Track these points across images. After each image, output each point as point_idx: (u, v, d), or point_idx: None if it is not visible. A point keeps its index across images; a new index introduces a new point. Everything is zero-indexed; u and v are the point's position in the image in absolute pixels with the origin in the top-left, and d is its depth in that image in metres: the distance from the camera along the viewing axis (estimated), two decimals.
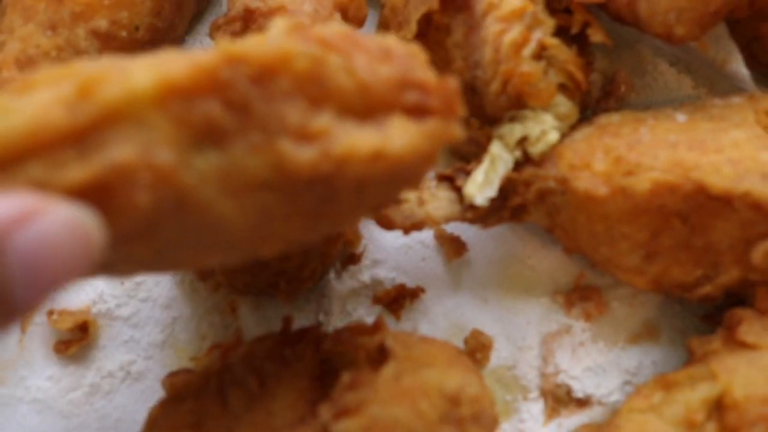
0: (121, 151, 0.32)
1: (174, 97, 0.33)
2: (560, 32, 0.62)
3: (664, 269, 0.59)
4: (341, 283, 0.66)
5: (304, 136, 0.36)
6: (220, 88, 0.34)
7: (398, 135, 0.37)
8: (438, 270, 0.67)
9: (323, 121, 0.36)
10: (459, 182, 0.60)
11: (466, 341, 0.64)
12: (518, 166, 0.60)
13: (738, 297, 0.61)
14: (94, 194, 0.32)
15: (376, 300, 0.65)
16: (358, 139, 0.36)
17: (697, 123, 0.60)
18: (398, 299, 0.66)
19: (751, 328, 0.57)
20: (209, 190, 0.34)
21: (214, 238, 0.38)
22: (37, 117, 0.31)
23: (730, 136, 0.58)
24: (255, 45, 0.35)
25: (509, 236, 0.67)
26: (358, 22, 0.67)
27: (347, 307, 0.66)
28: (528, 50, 0.59)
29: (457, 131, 0.40)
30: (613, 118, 0.62)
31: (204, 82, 0.33)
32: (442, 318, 0.66)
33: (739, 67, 0.68)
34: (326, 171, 0.36)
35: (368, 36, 0.39)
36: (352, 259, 0.67)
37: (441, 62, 0.64)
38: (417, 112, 0.38)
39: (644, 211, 0.57)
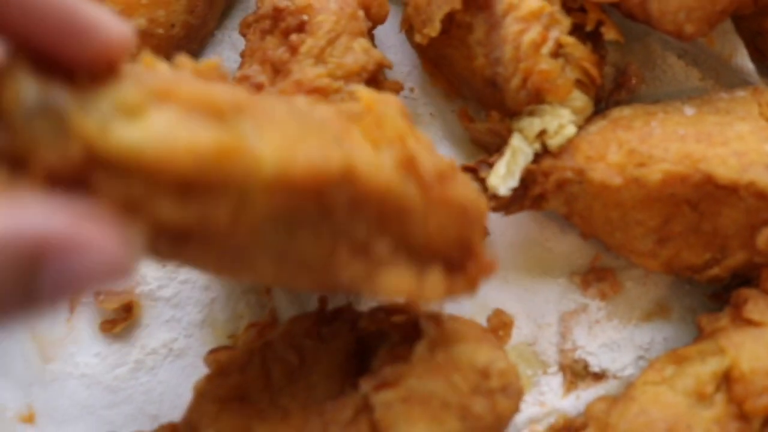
0: (216, 213, 0.35)
1: (283, 189, 0.36)
2: (576, 30, 0.66)
3: (675, 253, 0.64)
4: None
5: (361, 251, 0.40)
6: (323, 196, 0.37)
7: (432, 287, 0.42)
8: None
9: (382, 247, 0.40)
10: (482, 173, 0.65)
11: (488, 319, 0.69)
12: (537, 157, 0.64)
13: (744, 278, 0.65)
14: (175, 236, 0.35)
15: None
16: (400, 279, 0.42)
17: (704, 116, 0.64)
18: None
19: (756, 306, 0.61)
20: (264, 257, 0.39)
21: (252, 276, 0.44)
22: (168, 152, 0.33)
23: (735, 128, 0.62)
24: (371, 169, 0.38)
25: (529, 221, 0.71)
26: (380, 19, 0.70)
27: None
28: (546, 49, 0.63)
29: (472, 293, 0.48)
30: (625, 112, 0.66)
31: (314, 188, 0.36)
32: (466, 299, 0.70)
33: (744, 60, 0.72)
34: (359, 287, 0.42)
35: (465, 181, 0.44)
36: None
37: (463, 59, 0.68)
38: (454, 267, 0.43)
39: (656, 199, 0.61)
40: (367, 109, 0.42)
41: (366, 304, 0.69)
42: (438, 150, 0.73)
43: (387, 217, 0.39)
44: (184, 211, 0.35)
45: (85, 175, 0.33)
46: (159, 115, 0.34)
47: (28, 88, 0.33)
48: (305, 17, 0.63)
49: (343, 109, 0.43)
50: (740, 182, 0.59)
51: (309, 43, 0.61)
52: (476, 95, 0.71)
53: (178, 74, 0.39)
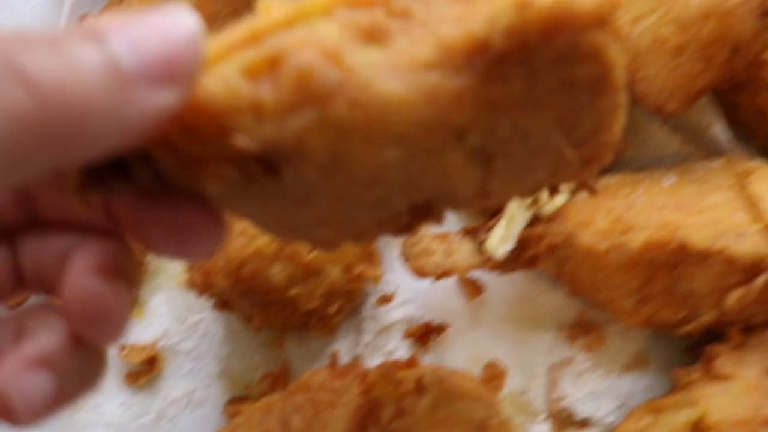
0: (290, 38, 0.31)
1: (341, 6, 0.33)
2: None
3: (654, 311, 0.70)
4: (376, 320, 0.77)
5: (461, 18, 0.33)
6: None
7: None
8: (460, 308, 0.77)
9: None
10: (481, 237, 0.71)
11: (484, 369, 0.75)
12: (532, 223, 0.71)
13: (715, 333, 0.72)
14: (266, 69, 0.31)
15: (407, 335, 0.76)
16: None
17: (683, 186, 0.70)
18: (426, 334, 0.76)
19: (725, 361, 0.67)
20: (374, 71, 0.31)
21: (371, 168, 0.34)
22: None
23: (710, 199, 0.68)
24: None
25: (521, 279, 0.77)
26: None
27: (381, 341, 0.76)
28: None
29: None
30: (612, 180, 0.72)
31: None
32: (463, 350, 0.76)
33: (720, 130, 0.78)
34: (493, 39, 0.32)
35: None
36: (385, 299, 0.77)
37: None
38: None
39: (637, 263, 0.68)
40: None
41: (374, 360, 0.75)
42: None
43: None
44: (263, 50, 0.32)
45: None
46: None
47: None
48: None
49: None
50: (712, 250, 0.66)
51: None
52: None
53: None
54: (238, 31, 0.32)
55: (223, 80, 0.31)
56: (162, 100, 0.29)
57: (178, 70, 0.29)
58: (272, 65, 0.31)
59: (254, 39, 0.32)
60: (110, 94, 0.28)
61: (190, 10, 0.31)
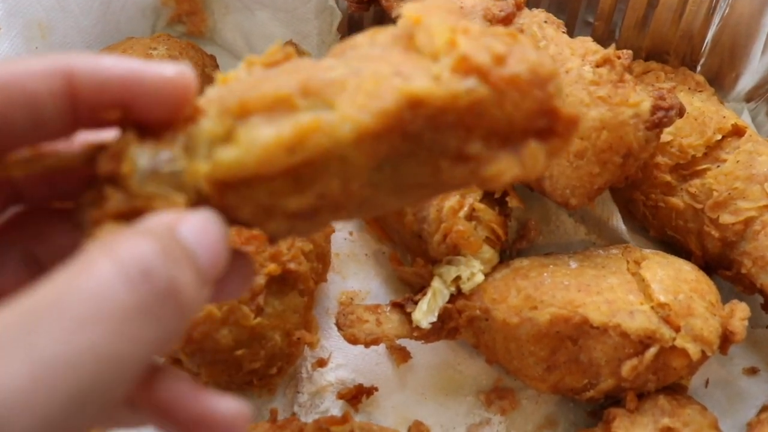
0: (329, 185, 0.40)
1: (368, 140, 0.39)
2: (486, 196, 0.82)
3: (560, 378, 0.79)
4: (312, 382, 0.84)
5: (460, 158, 0.41)
6: (402, 127, 0.39)
7: (533, 161, 0.42)
8: (388, 373, 0.85)
9: (476, 148, 0.41)
10: (408, 309, 0.80)
11: (409, 430, 0.83)
12: (453, 298, 0.80)
13: (615, 398, 0.82)
14: (306, 215, 0.41)
15: (340, 396, 0.83)
16: (503, 166, 0.42)
17: (585, 269, 0.81)
18: (357, 395, 0.84)
19: (621, 423, 0.77)
20: (385, 196, 0.42)
21: (382, 210, 0.48)
22: (264, 155, 0.38)
23: (608, 281, 0.79)
24: (429, 88, 0.39)
25: (444, 347, 0.86)
26: None
27: (316, 401, 0.84)
28: (462, 213, 0.79)
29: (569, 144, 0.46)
30: (524, 263, 0.82)
31: (391, 126, 0.39)
32: (391, 411, 0.84)
33: (618, 222, 0.90)
34: (472, 184, 0.44)
35: (522, 50, 0.42)
36: (320, 362, 0.85)
37: (395, 214, 0.84)
38: (545, 133, 0.43)
39: (545, 335, 0.77)
40: (416, 24, 0.42)
41: (309, 419, 0.82)
42: (369, 285, 0.89)
43: (465, 120, 0.40)
44: (304, 196, 0.40)
45: (220, 201, 0.39)
46: (245, 129, 0.39)
47: (139, 158, 0.39)
48: None
49: (399, 31, 0.43)
50: (609, 324, 0.76)
51: None
52: (404, 243, 0.87)
53: (249, 79, 0.42)
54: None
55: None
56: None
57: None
58: (312, 212, 0.41)
59: (293, 174, 0.39)
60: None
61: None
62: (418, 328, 0.80)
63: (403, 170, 0.41)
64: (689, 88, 0.93)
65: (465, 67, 0.40)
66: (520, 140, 0.42)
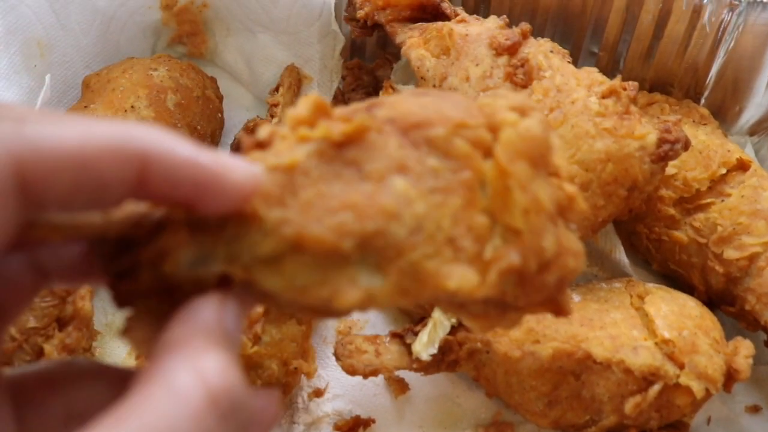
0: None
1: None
2: None
3: (562, 413, 0.78)
4: (308, 412, 0.83)
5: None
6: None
7: (510, 325, 0.44)
8: (386, 404, 0.84)
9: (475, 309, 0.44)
10: (408, 340, 0.78)
11: None
12: (454, 330, 0.79)
13: None
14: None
15: (337, 427, 0.82)
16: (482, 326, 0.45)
17: (588, 303, 0.80)
18: (354, 427, 0.82)
19: None
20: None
21: None
22: (300, 296, 0.39)
23: (611, 316, 0.78)
24: (469, 289, 0.40)
25: (443, 379, 0.84)
26: None
27: None
28: None
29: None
30: None
31: (482, 294, 0.40)
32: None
33: (621, 255, 0.89)
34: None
35: (568, 252, 0.42)
36: (317, 392, 0.83)
37: None
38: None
39: (547, 369, 0.76)
40: (501, 175, 0.41)
41: None
42: (368, 315, 0.88)
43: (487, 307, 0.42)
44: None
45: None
46: (292, 265, 0.39)
47: (184, 258, 0.39)
48: None
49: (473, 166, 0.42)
50: (612, 360, 0.74)
51: None
52: None
53: (304, 180, 0.40)
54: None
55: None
56: None
57: None
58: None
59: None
60: None
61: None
62: (417, 359, 0.78)
63: None
64: (693, 121, 0.93)
65: (513, 272, 0.40)
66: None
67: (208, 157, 0.38)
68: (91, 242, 0.41)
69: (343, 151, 0.40)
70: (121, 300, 0.40)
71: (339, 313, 0.41)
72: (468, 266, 0.40)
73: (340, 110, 0.42)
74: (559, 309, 0.43)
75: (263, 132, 0.41)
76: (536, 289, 0.41)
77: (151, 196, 0.38)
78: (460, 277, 0.39)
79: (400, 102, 0.42)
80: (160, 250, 0.39)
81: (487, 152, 0.41)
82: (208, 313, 0.37)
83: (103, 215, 0.39)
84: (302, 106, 0.41)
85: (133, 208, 0.40)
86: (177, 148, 0.37)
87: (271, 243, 0.38)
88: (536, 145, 0.42)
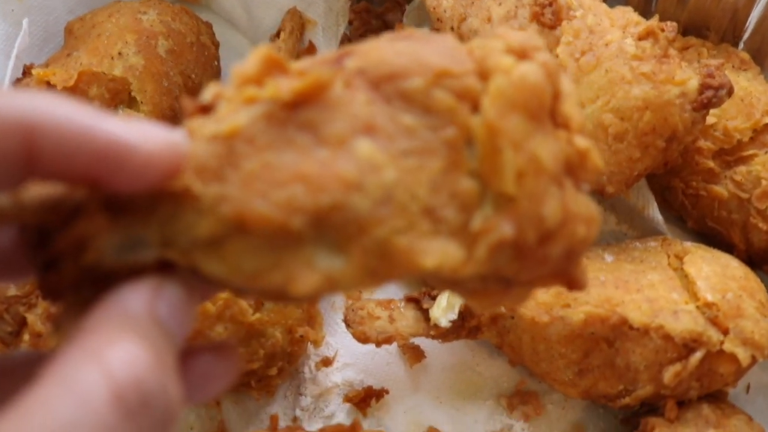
0: None
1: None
2: None
3: (593, 383, 0.71)
4: (316, 383, 0.76)
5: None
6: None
7: (518, 300, 0.40)
8: (400, 374, 0.77)
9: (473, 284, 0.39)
10: (425, 305, 0.72)
11: None
12: None
13: (651, 406, 0.74)
14: None
15: (347, 399, 0.76)
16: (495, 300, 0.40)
17: (622, 264, 0.73)
18: (365, 399, 0.76)
19: None
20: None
21: None
22: (250, 282, 0.35)
23: (648, 277, 0.71)
24: (452, 266, 0.35)
25: (461, 346, 0.78)
26: None
27: (320, 404, 0.76)
28: None
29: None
30: None
31: (468, 271, 0.35)
32: (403, 415, 0.76)
33: (654, 212, 0.82)
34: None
35: (576, 220, 0.37)
36: (325, 362, 0.77)
37: None
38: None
39: (578, 336, 0.69)
40: (488, 132, 0.35)
41: (312, 424, 0.74)
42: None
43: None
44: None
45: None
46: (236, 249, 0.34)
47: (107, 247, 0.34)
48: None
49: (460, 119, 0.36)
50: (651, 326, 0.68)
51: None
52: None
53: (245, 148, 0.35)
54: None
55: None
56: None
57: None
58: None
59: None
60: None
61: None
62: (436, 326, 0.71)
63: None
64: (733, 66, 0.85)
65: (505, 246, 0.35)
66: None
67: (112, 125, 0.32)
68: (20, 230, 0.36)
69: (297, 112, 0.35)
70: (48, 293, 0.35)
71: (298, 299, 0.35)
72: (450, 240, 0.34)
73: (301, 63, 0.36)
74: (572, 282, 0.38)
75: (207, 93, 0.35)
76: (539, 263, 0.36)
77: (48, 173, 0.33)
78: (440, 254, 0.34)
79: (374, 49, 0.36)
80: (76, 239, 0.33)
81: (476, 105, 0.35)
82: (132, 300, 0.33)
83: (12, 198, 0.34)
84: (250, 61, 0.35)
85: (44, 189, 0.34)
86: (71, 115, 0.32)
87: (209, 224, 0.33)
88: (535, 94, 0.35)
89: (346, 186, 0.34)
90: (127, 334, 0.32)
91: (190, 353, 0.37)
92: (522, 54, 0.36)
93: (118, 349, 0.31)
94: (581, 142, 0.36)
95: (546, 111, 0.36)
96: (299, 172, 0.34)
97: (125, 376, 0.30)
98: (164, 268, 0.35)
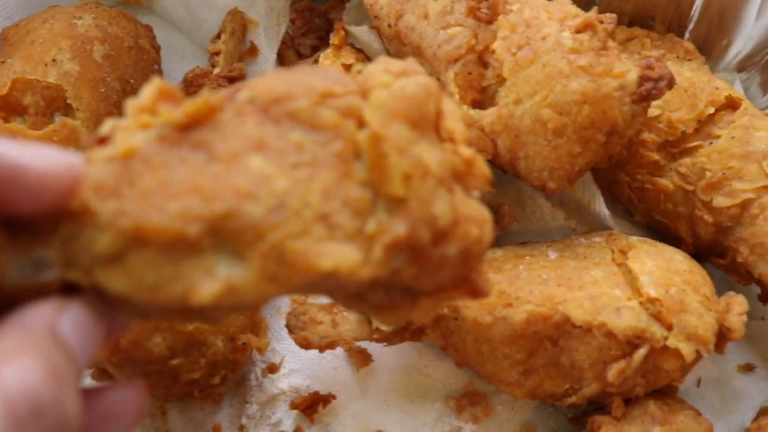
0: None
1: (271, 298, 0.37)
2: None
3: (538, 383, 0.71)
4: (262, 390, 0.75)
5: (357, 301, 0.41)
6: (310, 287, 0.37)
7: (423, 314, 0.41)
8: (347, 378, 0.76)
9: (377, 297, 0.40)
10: None
11: None
12: None
13: (599, 404, 0.73)
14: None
15: (294, 406, 0.74)
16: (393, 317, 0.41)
17: (565, 261, 0.72)
18: (312, 404, 0.75)
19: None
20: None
21: None
22: (152, 297, 0.35)
23: (591, 274, 0.70)
24: (350, 268, 0.36)
25: (409, 349, 0.77)
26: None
27: (267, 411, 0.75)
28: None
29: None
30: (497, 254, 0.73)
31: (297, 289, 0.37)
32: (351, 420, 0.75)
33: (601, 206, 0.81)
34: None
35: (470, 222, 0.38)
36: (272, 368, 0.76)
37: None
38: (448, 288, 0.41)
39: (521, 335, 0.69)
40: (373, 140, 0.37)
41: (259, 430, 0.73)
42: None
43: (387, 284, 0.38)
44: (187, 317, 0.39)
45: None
46: (137, 262, 0.35)
47: (9, 270, 0.35)
48: None
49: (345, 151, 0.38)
50: (593, 323, 0.67)
51: None
52: None
53: (139, 166, 0.36)
54: None
55: None
56: None
57: None
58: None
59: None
60: None
61: None
62: (378, 329, 0.70)
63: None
64: (677, 57, 0.85)
65: (400, 246, 0.36)
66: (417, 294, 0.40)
67: (3, 147, 0.34)
68: None
69: (189, 134, 0.37)
70: None
71: (200, 310, 0.36)
72: (346, 243, 0.36)
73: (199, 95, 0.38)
74: (474, 289, 0.40)
75: (105, 127, 0.37)
76: (437, 265, 0.37)
77: None
78: (337, 256, 0.36)
79: (262, 81, 0.39)
80: None
81: (362, 122, 0.38)
82: (33, 317, 0.35)
83: None
84: (144, 93, 0.37)
85: None
86: None
87: (108, 238, 0.35)
88: (415, 105, 0.37)
89: (239, 195, 0.35)
90: (24, 349, 0.33)
91: (99, 391, 0.38)
92: (401, 74, 0.38)
93: (13, 364, 0.32)
94: (466, 151, 0.38)
95: (430, 124, 0.38)
96: (193, 185, 0.35)
97: (17, 389, 0.32)
98: (69, 291, 0.36)
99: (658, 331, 0.67)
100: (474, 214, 0.38)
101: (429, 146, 0.37)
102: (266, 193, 0.36)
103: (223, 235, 0.35)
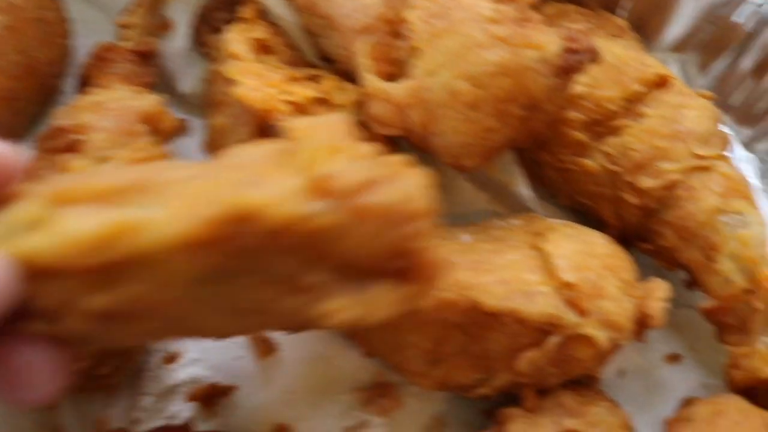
0: (139, 288, 0.37)
1: (188, 247, 0.36)
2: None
3: (447, 373, 0.66)
4: (158, 381, 0.71)
5: (293, 287, 0.39)
6: (231, 240, 0.36)
7: (376, 304, 0.41)
8: (250, 368, 0.72)
9: (314, 278, 0.38)
10: None
11: None
12: None
13: (514, 394, 0.69)
14: (114, 318, 0.37)
15: (192, 397, 0.70)
16: (339, 305, 0.39)
17: (479, 244, 0.68)
18: (212, 396, 0.70)
19: (514, 426, 0.65)
20: (210, 314, 0.40)
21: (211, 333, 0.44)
22: (66, 249, 0.35)
23: (505, 257, 0.66)
24: (265, 203, 0.36)
25: (316, 338, 0.73)
26: (167, 134, 0.71)
27: (162, 404, 0.70)
28: None
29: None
30: None
31: (216, 237, 0.36)
32: (252, 413, 0.71)
33: (522, 188, 0.77)
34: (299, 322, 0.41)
35: (402, 183, 0.40)
36: (171, 358, 0.71)
37: None
38: (403, 275, 0.40)
39: (428, 323, 0.64)
40: (300, 138, 0.39)
41: (153, 422, 0.69)
42: None
43: (306, 246, 0.37)
44: (110, 295, 0.37)
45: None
46: (59, 218, 0.36)
47: None
48: (80, 137, 0.63)
49: (283, 144, 0.40)
50: (503, 309, 0.63)
51: (78, 164, 0.62)
52: None
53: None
54: None
55: None
56: None
57: None
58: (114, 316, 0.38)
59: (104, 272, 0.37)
60: None
61: None
62: None
63: (231, 290, 0.38)
64: (610, 34, 0.81)
65: (323, 187, 0.37)
66: (368, 280, 0.40)
67: None
68: None
69: None
70: None
71: (112, 264, 0.36)
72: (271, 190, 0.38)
73: None
74: (425, 265, 0.42)
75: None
76: (373, 226, 0.38)
77: None
78: (256, 197, 0.37)
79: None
80: None
81: None
82: None
83: None
84: None
85: None
86: None
87: (36, 205, 0.37)
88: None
89: None
90: None
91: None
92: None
93: None
94: None
95: None
96: None
97: None
98: None
99: (572, 317, 0.63)
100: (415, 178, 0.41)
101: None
102: (200, 168, 0.40)
103: (149, 192, 0.37)
